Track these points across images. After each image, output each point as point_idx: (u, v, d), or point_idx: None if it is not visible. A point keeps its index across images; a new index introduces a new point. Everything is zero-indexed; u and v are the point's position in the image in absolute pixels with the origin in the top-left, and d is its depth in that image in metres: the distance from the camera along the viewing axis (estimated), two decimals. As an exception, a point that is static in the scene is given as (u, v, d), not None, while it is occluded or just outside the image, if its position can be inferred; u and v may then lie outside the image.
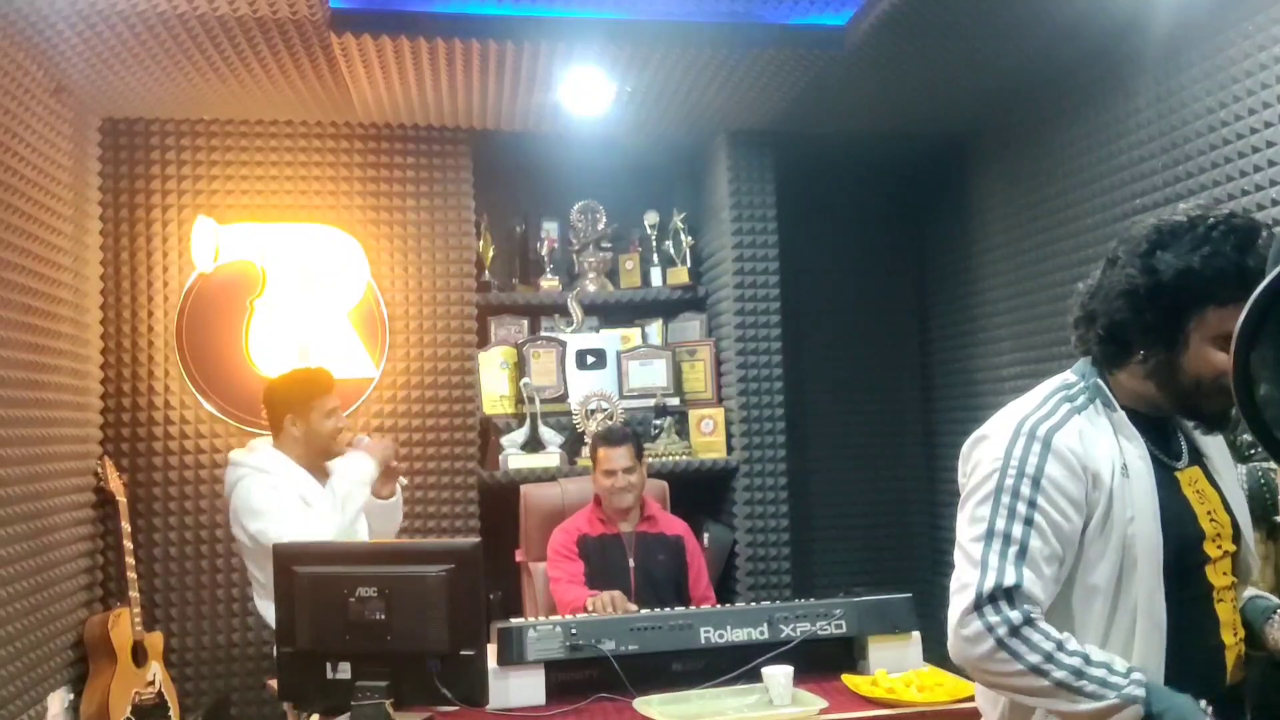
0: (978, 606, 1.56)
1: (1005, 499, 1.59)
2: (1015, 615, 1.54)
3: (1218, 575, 1.64)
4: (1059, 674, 1.52)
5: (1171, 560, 1.58)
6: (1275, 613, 1.68)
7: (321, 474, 3.25)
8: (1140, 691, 1.50)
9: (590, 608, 3.11)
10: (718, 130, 4.46)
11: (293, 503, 3.11)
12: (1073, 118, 3.80)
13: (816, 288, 5.00)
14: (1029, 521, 1.57)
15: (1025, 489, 1.58)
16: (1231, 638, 1.64)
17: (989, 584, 1.55)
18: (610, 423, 4.20)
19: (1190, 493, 1.65)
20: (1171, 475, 1.65)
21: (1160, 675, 1.56)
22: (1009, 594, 1.55)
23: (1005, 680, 1.57)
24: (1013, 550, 1.56)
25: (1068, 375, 1.73)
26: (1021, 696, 1.58)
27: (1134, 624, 1.57)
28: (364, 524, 3.31)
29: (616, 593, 3.18)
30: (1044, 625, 1.55)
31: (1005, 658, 1.54)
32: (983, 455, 1.65)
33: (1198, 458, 1.72)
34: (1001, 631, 1.54)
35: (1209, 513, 1.65)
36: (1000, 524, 1.58)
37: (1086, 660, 1.53)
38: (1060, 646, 1.53)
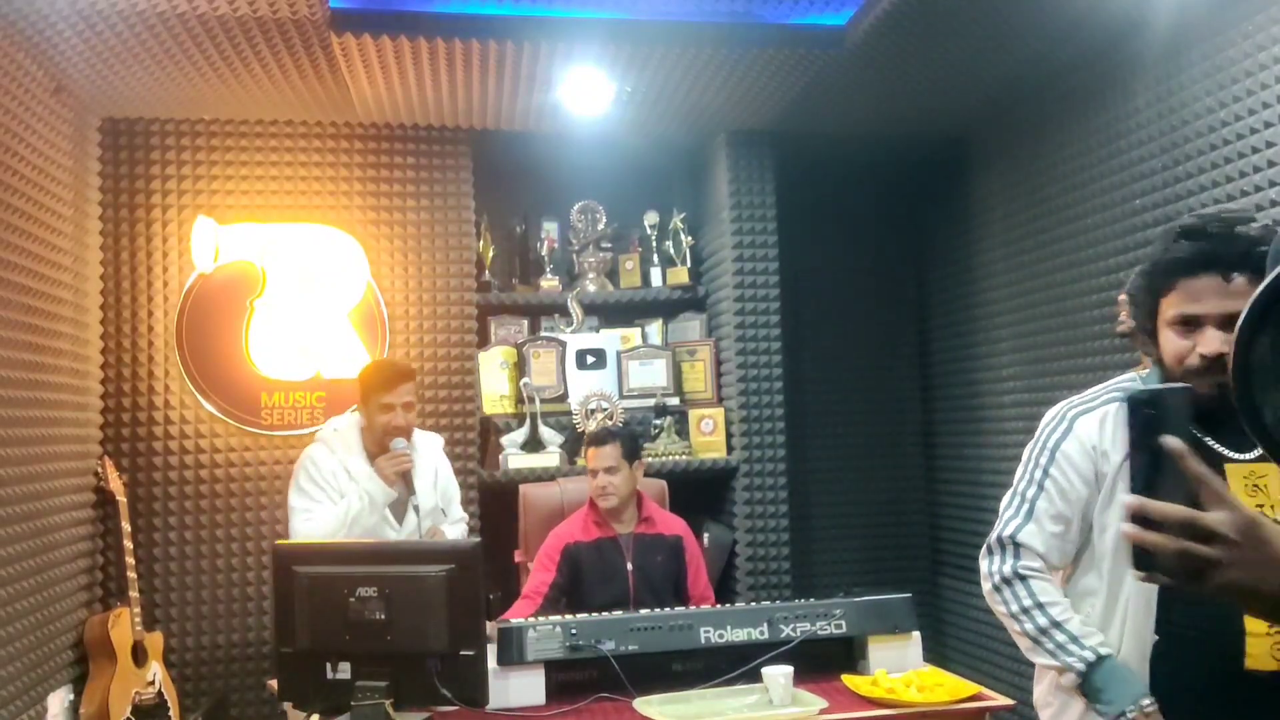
0: (988, 552, 1.94)
1: (1029, 467, 1.94)
2: (1008, 568, 1.90)
3: None
4: (1028, 626, 1.87)
5: None
6: None
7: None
8: (1081, 666, 1.79)
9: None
10: (718, 130, 4.46)
11: (322, 493, 3.31)
12: (1073, 118, 3.80)
13: (816, 288, 5.00)
14: (1040, 485, 1.90)
15: (1044, 459, 1.91)
16: (1262, 627, 1.67)
17: (995, 532, 1.94)
18: (609, 423, 4.20)
19: (1239, 483, 1.73)
20: (1218, 464, 1.73)
21: (1148, 640, 1.76)
22: (1012, 541, 1.90)
23: (1000, 617, 1.94)
24: (1024, 507, 1.92)
25: (1138, 372, 2.01)
26: (1012, 635, 1.93)
27: (1135, 588, 1.76)
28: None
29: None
30: (1035, 584, 1.87)
31: (998, 599, 1.92)
32: (1034, 435, 1.98)
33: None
34: (996, 579, 1.92)
35: (1260, 505, 1.71)
36: (1021, 485, 1.95)
37: (1055, 625, 1.84)
38: (1039, 606, 1.86)
